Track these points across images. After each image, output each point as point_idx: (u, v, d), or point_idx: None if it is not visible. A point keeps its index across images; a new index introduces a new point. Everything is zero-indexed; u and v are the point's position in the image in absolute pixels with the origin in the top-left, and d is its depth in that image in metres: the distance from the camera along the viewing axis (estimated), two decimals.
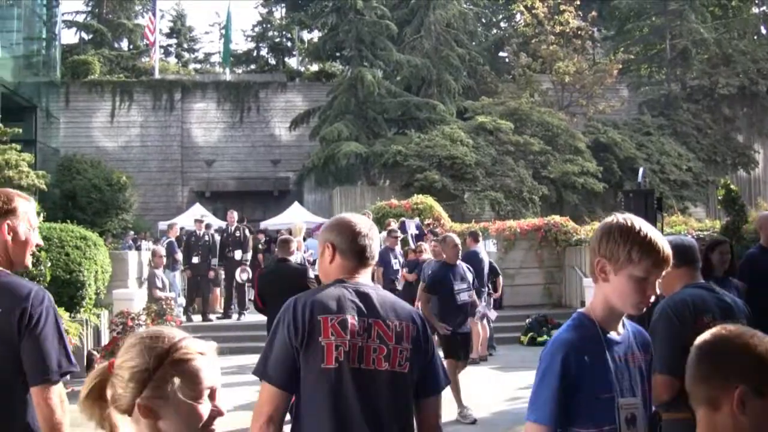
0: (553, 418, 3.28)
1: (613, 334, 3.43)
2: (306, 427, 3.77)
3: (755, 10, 56.02)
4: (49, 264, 14.29)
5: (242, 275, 21.48)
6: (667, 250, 3.33)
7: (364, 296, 3.87)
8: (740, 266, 9.48)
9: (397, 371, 3.77)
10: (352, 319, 3.75)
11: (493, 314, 19.04)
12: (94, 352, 15.84)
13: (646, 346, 3.58)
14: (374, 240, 4.08)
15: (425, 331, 3.95)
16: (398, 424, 3.79)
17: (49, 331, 3.98)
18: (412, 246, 19.54)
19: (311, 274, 12.08)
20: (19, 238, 4.19)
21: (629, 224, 3.36)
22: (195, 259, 21.56)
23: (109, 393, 2.32)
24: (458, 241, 12.56)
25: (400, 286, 17.84)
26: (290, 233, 18.43)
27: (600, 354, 3.35)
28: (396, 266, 18.32)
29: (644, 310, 3.41)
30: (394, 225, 21.30)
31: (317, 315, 3.72)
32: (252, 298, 23.00)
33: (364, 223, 4.10)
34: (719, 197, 22.81)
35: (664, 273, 3.37)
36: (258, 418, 3.68)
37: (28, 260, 4.30)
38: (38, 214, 4.33)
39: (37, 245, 4.33)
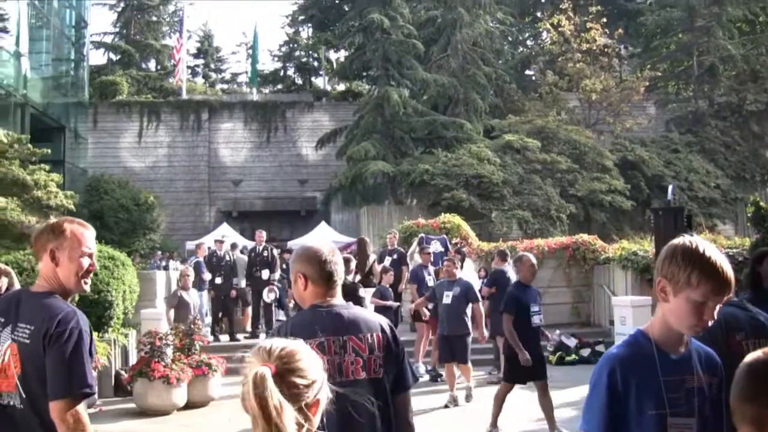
0: (603, 429, 3.34)
1: (670, 354, 3.43)
2: None
3: None
4: None
5: (270, 295, 21.40)
6: (729, 277, 3.31)
7: (337, 316, 4.39)
8: None
9: (374, 377, 4.33)
10: (328, 340, 4.28)
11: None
12: (122, 372, 15.87)
13: (712, 369, 3.54)
14: (339, 264, 4.54)
15: (394, 338, 4.49)
16: (382, 422, 4.31)
17: (68, 350, 4.12)
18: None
19: (362, 292, 12.89)
20: (64, 262, 4.38)
21: (693, 247, 3.35)
22: (218, 280, 21.57)
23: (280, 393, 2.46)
24: (535, 260, 12.31)
25: (431, 305, 17.74)
26: None
27: (650, 371, 3.36)
28: (431, 283, 18.21)
29: (700, 333, 3.42)
30: (414, 244, 21.38)
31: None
32: (279, 318, 23.09)
33: (327, 250, 4.57)
34: (748, 214, 22.67)
35: (725, 299, 3.36)
36: None
37: (84, 284, 4.49)
38: None
39: (89, 269, 4.46)
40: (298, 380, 2.50)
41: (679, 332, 3.42)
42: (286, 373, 2.49)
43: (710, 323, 3.35)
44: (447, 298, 14.62)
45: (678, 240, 3.45)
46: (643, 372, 3.35)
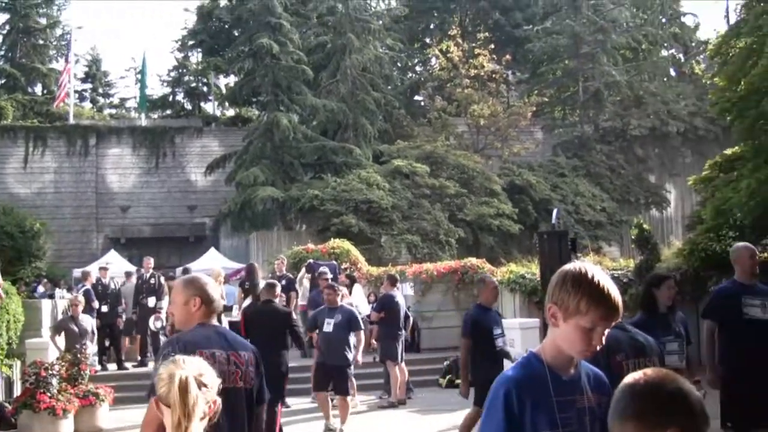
0: None
1: (561, 375, 3.50)
2: None
3: (664, 53, 57.37)
4: None
5: (156, 323, 21.11)
6: (617, 304, 3.39)
7: (222, 334, 5.37)
8: (710, 304, 9.00)
9: (247, 387, 5.27)
10: (218, 352, 5.14)
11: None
12: (6, 404, 15.53)
13: (601, 388, 3.62)
14: (220, 293, 5.77)
15: (259, 359, 5.47)
16: (249, 426, 5.27)
17: None
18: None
19: (295, 315, 13.65)
20: None
21: (582, 273, 3.41)
22: (104, 308, 21.25)
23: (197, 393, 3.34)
24: (497, 283, 12.05)
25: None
26: None
27: (543, 392, 3.42)
28: None
29: (589, 357, 3.51)
30: (303, 270, 21.40)
31: (194, 350, 4.78)
32: None
33: (213, 281, 5.62)
34: (632, 236, 23.09)
35: (612, 324, 3.44)
36: (147, 428, 4.72)
37: None
38: None
39: None
40: (206, 381, 3.35)
41: (569, 355, 3.50)
42: (198, 377, 3.31)
43: (599, 347, 3.43)
44: (328, 326, 13.98)
45: (568, 266, 3.52)
46: (537, 393, 3.41)
